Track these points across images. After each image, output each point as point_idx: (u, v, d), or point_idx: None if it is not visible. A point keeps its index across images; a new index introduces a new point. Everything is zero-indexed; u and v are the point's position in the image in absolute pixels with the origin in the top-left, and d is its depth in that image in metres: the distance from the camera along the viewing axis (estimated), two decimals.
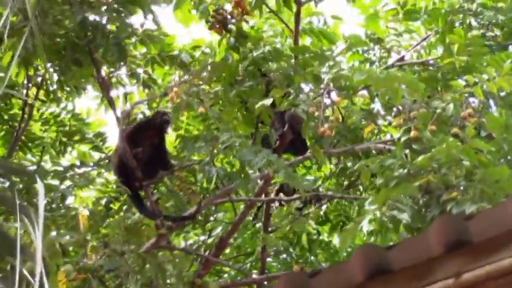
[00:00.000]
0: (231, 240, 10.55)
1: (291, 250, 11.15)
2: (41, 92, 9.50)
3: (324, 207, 11.10)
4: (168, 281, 6.82)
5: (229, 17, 8.62)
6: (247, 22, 8.79)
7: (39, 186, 2.44)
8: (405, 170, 6.41)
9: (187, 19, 9.53)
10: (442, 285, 3.91)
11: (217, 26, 8.63)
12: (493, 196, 6.07)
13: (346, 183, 10.42)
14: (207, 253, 9.60)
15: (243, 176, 7.85)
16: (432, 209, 6.20)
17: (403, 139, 6.88)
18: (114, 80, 9.00)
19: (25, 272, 2.19)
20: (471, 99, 7.47)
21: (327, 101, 7.08)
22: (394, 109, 8.04)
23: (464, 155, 6.27)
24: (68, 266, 6.51)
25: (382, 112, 8.74)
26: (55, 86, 9.24)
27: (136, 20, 8.50)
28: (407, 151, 6.81)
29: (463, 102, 7.19)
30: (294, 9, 8.69)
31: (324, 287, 4.14)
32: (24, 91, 9.48)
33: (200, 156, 8.62)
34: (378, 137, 9.51)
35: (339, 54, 8.12)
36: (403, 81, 6.95)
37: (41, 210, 2.25)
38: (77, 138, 10.18)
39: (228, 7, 8.67)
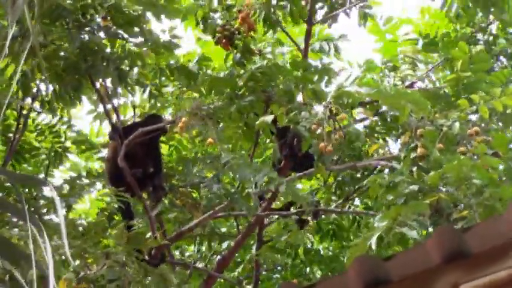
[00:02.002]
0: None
1: (286, 262, 11.18)
2: (36, 103, 9.51)
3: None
4: None
5: (236, 32, 8.66)
6: (253, 38, 8.84)
7: (54, 194, 2.45)
8: (415, 187, 6.42)
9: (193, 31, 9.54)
10: None
11: (224, 41, 8.68)
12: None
13: (342, 197, 10.47)
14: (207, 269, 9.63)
15: (243, 195, 7.90)
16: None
17: (410, 157, 6.89)
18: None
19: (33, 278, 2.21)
20: (472, 117, 7.48)
21: (329, 118, 7.10)
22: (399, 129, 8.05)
23: (475, 172, 6.26)
24: (69, 275, 6.52)
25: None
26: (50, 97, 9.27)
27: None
28: (413, 169, 6.83)
29: (468, 120, 7.21)
30: (305, 27, 8.78)
31: None
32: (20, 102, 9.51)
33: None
34: (378, 152, 9.51)
35: (354, 80, 8.11)
36: (411, 98, 6.97)
37: (61, 217, 2.28)
38: (83, 147, 10.19)
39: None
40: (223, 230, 10.73)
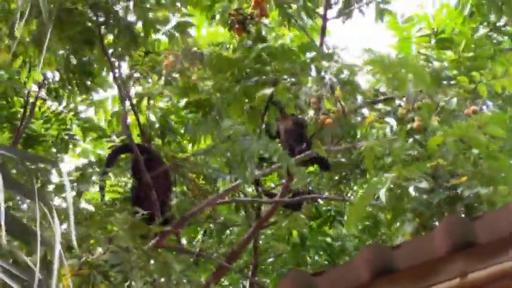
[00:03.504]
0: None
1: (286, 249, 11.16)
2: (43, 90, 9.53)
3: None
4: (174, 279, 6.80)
5: (249, 17, 8.65)
6: (265, 25, 8.82)
7: (65, 175, 2.45)
8: (414, 152, 6.39)
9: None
10: (447, 285, 3.93)
11: (237, 26, 8.66)
12: (503, 181, 6.06)
13: (337, 178, 10.43)
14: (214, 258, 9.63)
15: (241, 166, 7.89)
16: (439, 194, 6.17)
17: (406, 128, 6.84)
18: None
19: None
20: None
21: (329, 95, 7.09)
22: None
23: (478, 137, 6.22)
24: (73, 261, 6.52)
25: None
26: (56, 85, 9.28)
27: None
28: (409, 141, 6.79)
29: (467, 99, 7.17)
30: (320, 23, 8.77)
31: (329, 286, 4.16)
32: (26, 91, 9.53)
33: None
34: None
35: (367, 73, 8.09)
36: (411, 69, 6.91)
37: (69, 200, 2.27)
38: (94, 134, 10.19)
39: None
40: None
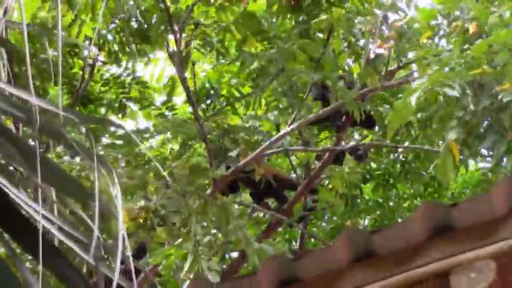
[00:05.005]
0: None
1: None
2: (102, 53, 9.60)
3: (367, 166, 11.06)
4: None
5: None
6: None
7: (126, 129, 2.48)
8: (460, 60, 6.28)
9: None
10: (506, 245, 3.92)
11: (292, 1, 8.63)
12: None
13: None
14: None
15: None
16: (482, 101, 6.08)
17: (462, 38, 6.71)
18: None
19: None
20: None
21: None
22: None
23: None
24: (129, 205, 6.60)
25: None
26: (116, 48, 9.34)
27: None
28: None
29: None
30: None
31: (386, 244, 4.15)
32: (86, 52, 9.60)
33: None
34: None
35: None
36: None
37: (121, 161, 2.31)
38: (145, 104, 10.26)
39: None
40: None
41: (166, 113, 10.21)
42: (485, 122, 6.19)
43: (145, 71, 10.42)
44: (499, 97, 5.93)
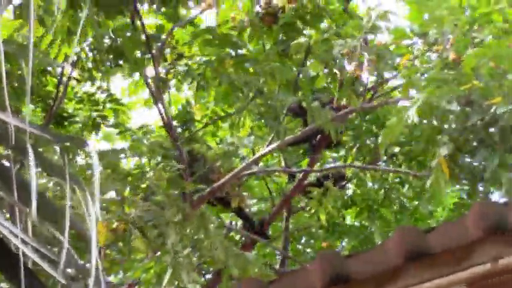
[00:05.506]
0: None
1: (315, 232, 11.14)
2: (76, 71, 9.55)
3: (349, 191, 11.06)
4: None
5: (279, 10, 8.65)
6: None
7: (94, 153, 2.45)
8: (449, 76, 6.32)
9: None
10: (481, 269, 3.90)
11: (267, 18, 8.64)
12: None
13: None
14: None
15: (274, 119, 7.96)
16: (472, 116, 6.12)
17: (443, 62, 6.76)
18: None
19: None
20: None
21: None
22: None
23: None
24: (108, 216, 6.58)
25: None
26: (90, 65, 9.29)
27: None
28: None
29: (501, 37, 7.04)
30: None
31: (362, 268, 4.12)
32: (60, 69, 9.55)
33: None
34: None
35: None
36: (447, 8, 6.90)
37: (96, 179, 2.27)
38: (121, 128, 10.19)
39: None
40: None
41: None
42: (475, 138, 6.23)
43: (120, 90, 10.37)
44: (491, 110, 5.99)
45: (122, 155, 8.44)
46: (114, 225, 6.67)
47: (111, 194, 6.99)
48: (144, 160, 8.82)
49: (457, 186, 10.85)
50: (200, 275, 9.47)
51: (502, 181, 6.41)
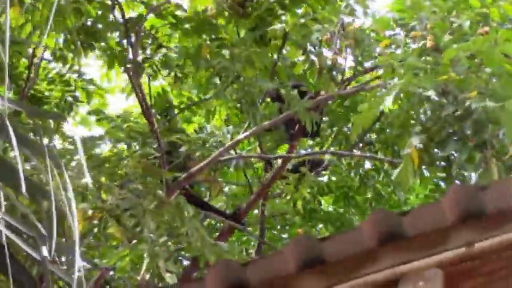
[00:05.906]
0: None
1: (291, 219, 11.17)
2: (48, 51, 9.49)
3: (325, 178, 11.09)
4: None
5: None
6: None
7: (74, 132, 2.41)
8: (427, 66, 6.34)
9: None
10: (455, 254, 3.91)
11: (235, 7, 8.59)
12: None
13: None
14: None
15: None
16: (447, 108, 6.14)
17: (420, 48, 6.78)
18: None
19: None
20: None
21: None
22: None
23: (493, 53, 6.15)
24: (84, 205, 6.54)
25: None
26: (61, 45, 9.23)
27: None
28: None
29: (479, 22, 7.07)
30: None
31: (335, 251, 4.11)
32: (31, 50, 9.47)
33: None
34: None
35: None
36: None
37: (80, 153, 2.24)
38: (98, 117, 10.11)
39: None
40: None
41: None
42: (448, 129, 6.24)
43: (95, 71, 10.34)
44: (465, 104, 6.00)
45: (100, 141, 8.40)
46: (90, 212, 6.63)
47: (88, 181, 6.94)
48: (122, 147, 8.80)
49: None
50: (177, 262, 9.47)
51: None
